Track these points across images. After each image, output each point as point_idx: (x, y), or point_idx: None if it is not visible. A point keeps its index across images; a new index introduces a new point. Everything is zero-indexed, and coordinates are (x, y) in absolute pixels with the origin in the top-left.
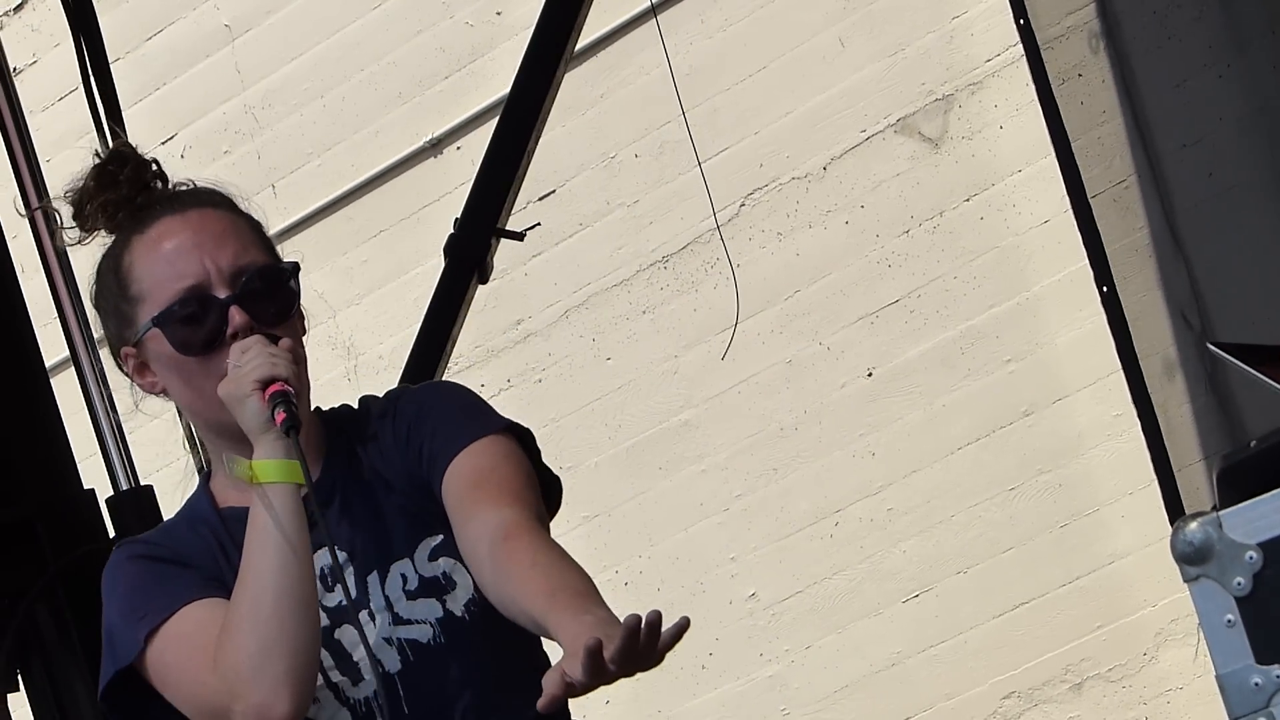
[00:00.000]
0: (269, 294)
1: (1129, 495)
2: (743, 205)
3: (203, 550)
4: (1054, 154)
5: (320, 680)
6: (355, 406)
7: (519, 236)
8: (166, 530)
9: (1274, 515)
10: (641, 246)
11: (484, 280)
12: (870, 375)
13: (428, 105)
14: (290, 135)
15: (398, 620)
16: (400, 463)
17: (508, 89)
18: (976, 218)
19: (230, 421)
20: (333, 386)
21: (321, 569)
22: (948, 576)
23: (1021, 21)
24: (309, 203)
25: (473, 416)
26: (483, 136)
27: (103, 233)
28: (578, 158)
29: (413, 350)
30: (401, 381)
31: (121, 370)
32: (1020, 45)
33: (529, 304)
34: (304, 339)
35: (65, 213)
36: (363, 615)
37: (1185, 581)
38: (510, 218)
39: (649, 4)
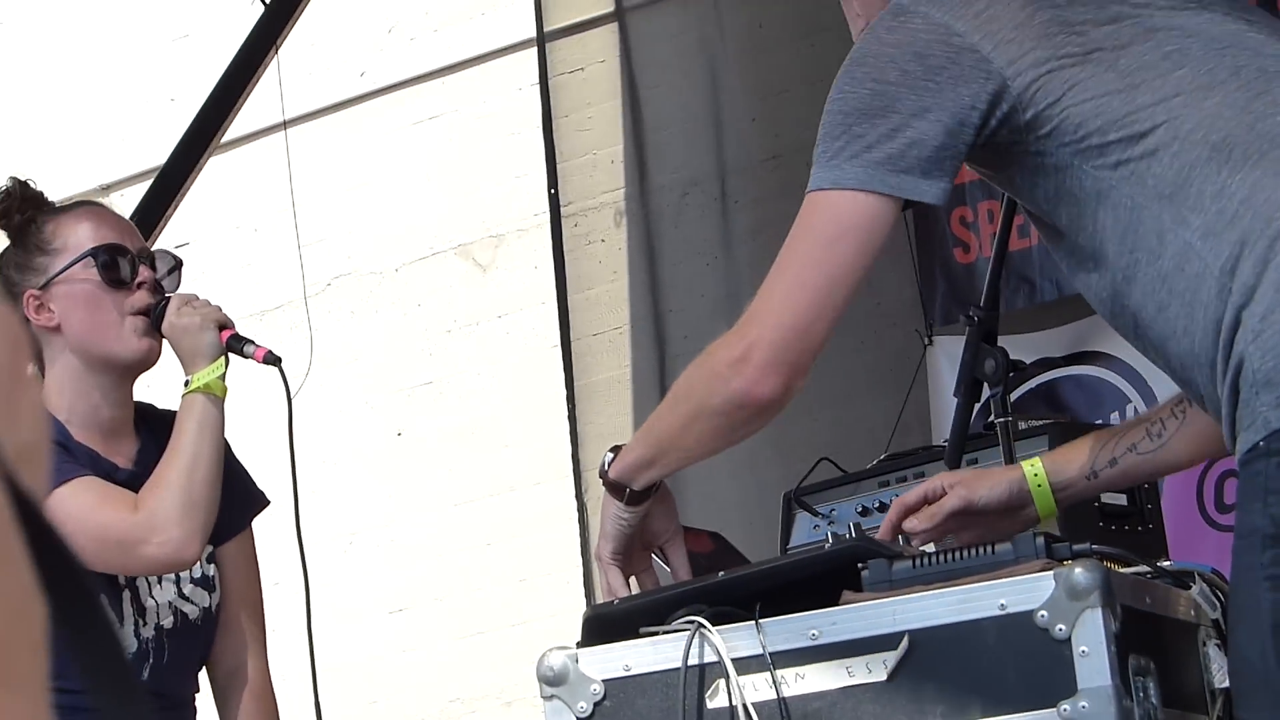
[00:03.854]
0: (168, 270)
1: None
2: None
3: (80, 458)
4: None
5: (129, 610)
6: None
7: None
8: None
9: (619, 661)
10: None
11: None
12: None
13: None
14: None
15: (181, 595)
16: None
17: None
18: (504, 332)
19: (110, 352)
20: None
21: None
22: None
23: (553, 191)
24: None
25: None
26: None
27: None
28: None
29: None
30: None
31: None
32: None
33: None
34: None
35: None
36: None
37: (542, 698)
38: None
39: (281, 120)
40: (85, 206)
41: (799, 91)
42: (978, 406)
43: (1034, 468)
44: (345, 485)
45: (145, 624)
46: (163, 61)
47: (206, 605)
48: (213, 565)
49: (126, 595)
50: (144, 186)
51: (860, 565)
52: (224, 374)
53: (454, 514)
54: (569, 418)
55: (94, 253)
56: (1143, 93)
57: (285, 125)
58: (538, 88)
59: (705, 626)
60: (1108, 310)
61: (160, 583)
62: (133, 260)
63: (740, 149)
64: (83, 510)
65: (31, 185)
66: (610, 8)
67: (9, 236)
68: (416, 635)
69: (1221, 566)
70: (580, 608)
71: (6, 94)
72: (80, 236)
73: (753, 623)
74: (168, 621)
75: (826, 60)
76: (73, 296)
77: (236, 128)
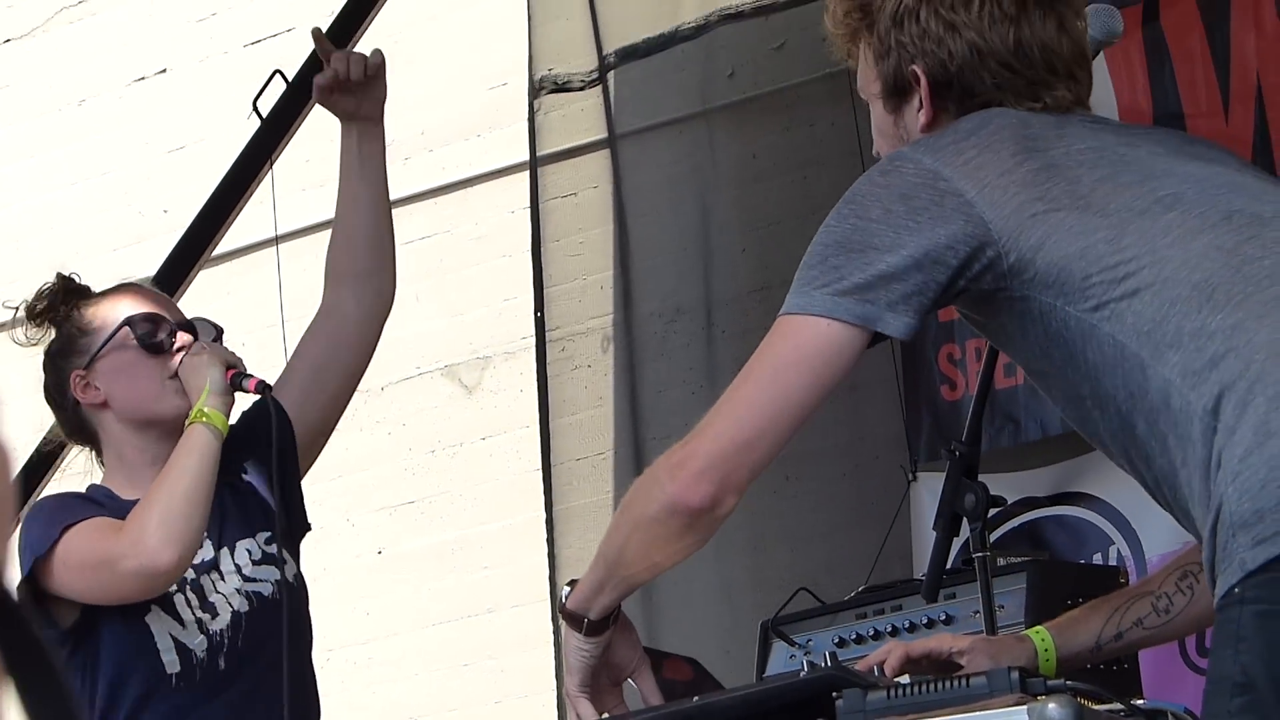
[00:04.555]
0: (211, 339)
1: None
2: None
3: (112, 512)
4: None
5: (188, 614)
6: None
7: None
8: (82, 493)
9: None
10: None
11: None
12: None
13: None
14: None
15: (245, 579)
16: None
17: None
18: (487, 454)
19: (153, 413)
20: None
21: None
22: None
23: (539, 314)
24: None
25: None
26: None
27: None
28: None
29: None
30: None
31: (58, 404)
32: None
33: None
34: None
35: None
36: (213, 573)
37: None
38: None
39: (274, 235)
40: (121, 286)
41: (790, 224)
42: (958, 541)
43: (1044, 642)
44: (324, 602)
45: (217, 617)
46: (158, 173)
47: (278, 578)
48: (272, 546)
49: (180, 600)
50: None
51: (835, 694)
52: (217, 404)
53: (432, 633)
54: (548, 541)
55: (129, 321)
56: (1129, 235)
57: (277, 240)
58: (529, 212)
59: None
60: (1120, 448)
61: (223, 577)
62: (170, 328)
63: (729, 279)
64: (79, 544)
65: (76, 279)
66: (603, 134)
67: (55, 327)
68: None
69: (1200, 709)
70: None
71: (1, 199)
72: (117, 312)
73: None
74: (243, 606)
75: (818, 193)
76: (114, 369)
77: (228, 241)
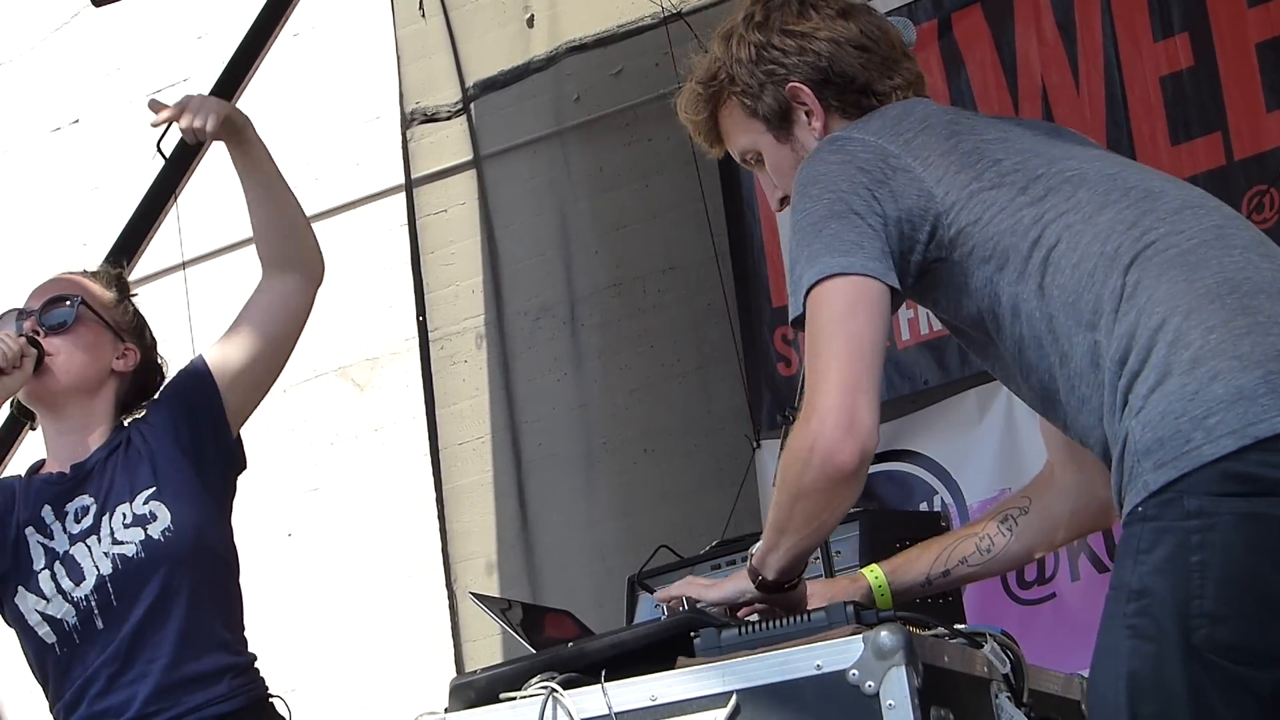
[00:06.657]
0: (54, 312)
1: None
2: None
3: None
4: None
5: (51, 589)
6: None
7: None
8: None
9: None
10: None
11: None
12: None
13: None
14: None
15: (116, 541)
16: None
17: None
18: (380, 443)
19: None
20: None
21: (76, 508)
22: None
23: (421, 318)
24: None
25: None
26: None
27: None
28: None
29: None
30: None
31: None
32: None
33: None
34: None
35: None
36: (91, 538)
37: None
38: None
39: (181, 261)
40: None
41: (636, 227)
42: None
43: (879, 579)
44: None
45: (82, 583)
46: (77, 210)
47: (143, 538)
48: (148, 505)
49: (45, 576)
50: None
51: (693, 634)
52: None
53: (339, 604)
54: (438, 517)
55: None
56: (1049, 211)
57: (184, 265)
58: (406, 228)
59: (557, 691)
60: (1041, 407)
61: (99, 541)
62: (23, 314)
63: (586, 278)
64: None
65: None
66: (469, 156)
67: None
68: (308, 713)
69: (1023, 637)
70: None
71: None
72: None
73: (599, 687)
74: (106, 568)
75: (659, 199)
76: None
77: (141, 268)
